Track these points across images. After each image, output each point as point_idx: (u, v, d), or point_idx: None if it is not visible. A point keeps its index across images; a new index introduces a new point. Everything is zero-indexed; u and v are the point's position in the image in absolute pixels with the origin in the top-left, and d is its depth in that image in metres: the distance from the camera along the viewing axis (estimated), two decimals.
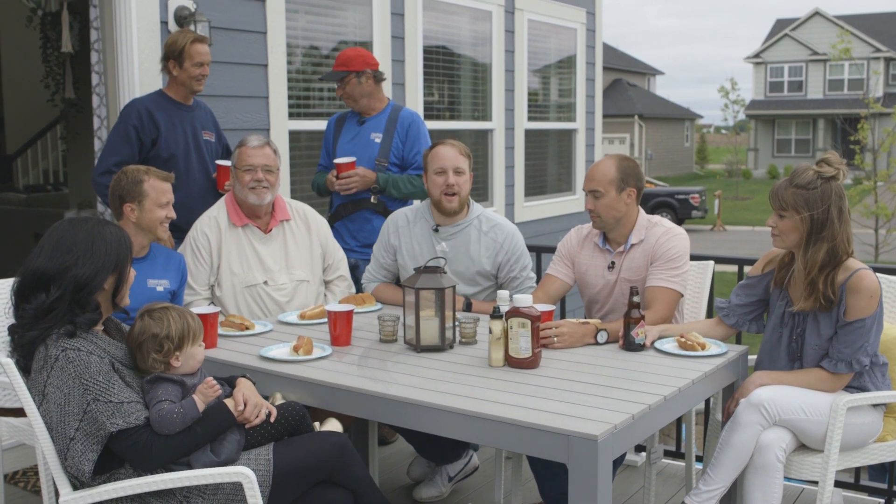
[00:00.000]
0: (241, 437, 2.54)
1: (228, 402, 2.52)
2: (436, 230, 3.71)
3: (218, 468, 2.38)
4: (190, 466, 2.42)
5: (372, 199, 4.28)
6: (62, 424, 2.31)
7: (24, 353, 2.41)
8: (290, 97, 5.27)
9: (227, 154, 4.24)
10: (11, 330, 2.44)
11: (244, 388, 2.58)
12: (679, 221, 22.42)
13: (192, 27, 4.47)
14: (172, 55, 3.97)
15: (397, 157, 4.34)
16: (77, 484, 2.39)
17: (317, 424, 2.78)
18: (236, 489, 2.41)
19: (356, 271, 4.15)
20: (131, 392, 2.40)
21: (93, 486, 2.37)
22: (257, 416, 2.54)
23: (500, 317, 2.76)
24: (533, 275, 3.77)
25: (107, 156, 3.95)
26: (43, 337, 2.36)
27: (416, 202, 4.15)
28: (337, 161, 4.25)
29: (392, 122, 4.35)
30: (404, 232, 3.77)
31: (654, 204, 23.39)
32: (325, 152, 4.54)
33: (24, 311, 2.40)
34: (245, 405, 2.52)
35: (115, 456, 2.37)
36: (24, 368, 2.43)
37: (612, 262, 3.42)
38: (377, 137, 4.33)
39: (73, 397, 2.30)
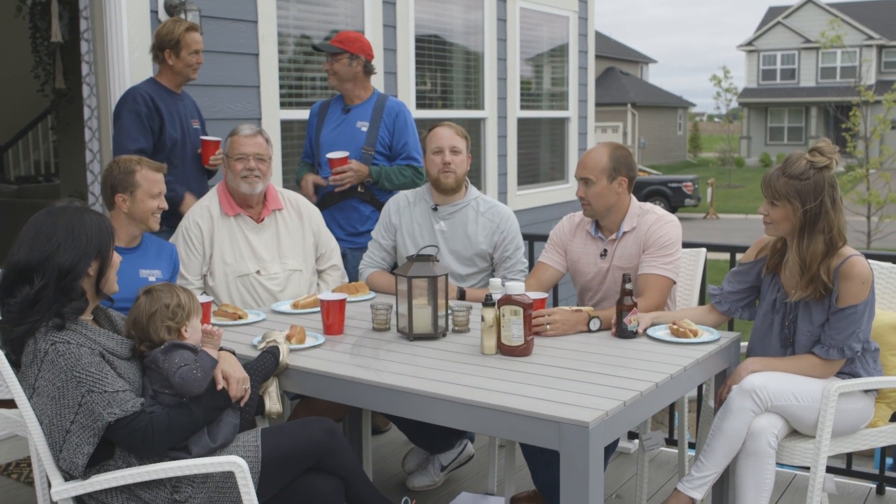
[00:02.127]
0: (237, 419, 2.55)
1: None
2: (435, 209, 3.74)
3: (210, 458, 2.38)
4: (188, 451, 2.42)
5: (359, 189, 4.28)
6: (58, 418, 2.30)
7: (14, 347, 2.39)
8: (281, 86, 5.25)
9: None
10: None
11: (224, 364, 2.56)
12: (672, 210, 22.46)
13: (182, 16, 4.44)
14: (168, 45, 3.96)
15: (384, 147, 4.33)
16: (68, 475, 2.38)
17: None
18: (226, 477, 2.41)
19: (342, 260, 4.13)
20: (123, 381, 2.39)
21: (84, 478, 2.36)
22: (245, 392, 2.57)
23: (493, 305, 2.76)
24: (525, 260, 3.79)
25: (126, 143, 3.83)
26: (32, 331, 2.34)
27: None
28: (330, 156, 4.21)
29: (378, 112, 4.33)
30: (405, 212, 3.82)
31: (647, 192, 23.44)
32: (308, 141, 4.53)
33: (10, 306, 2.37)
34: (228, 382, 2.52)
35: (105, 448, 2.36)
36: (14, 363, 2.41)
37: (605, 250, 3.42)
38: (363, 126, 4.32)
39: (67, 390, 2.29)
